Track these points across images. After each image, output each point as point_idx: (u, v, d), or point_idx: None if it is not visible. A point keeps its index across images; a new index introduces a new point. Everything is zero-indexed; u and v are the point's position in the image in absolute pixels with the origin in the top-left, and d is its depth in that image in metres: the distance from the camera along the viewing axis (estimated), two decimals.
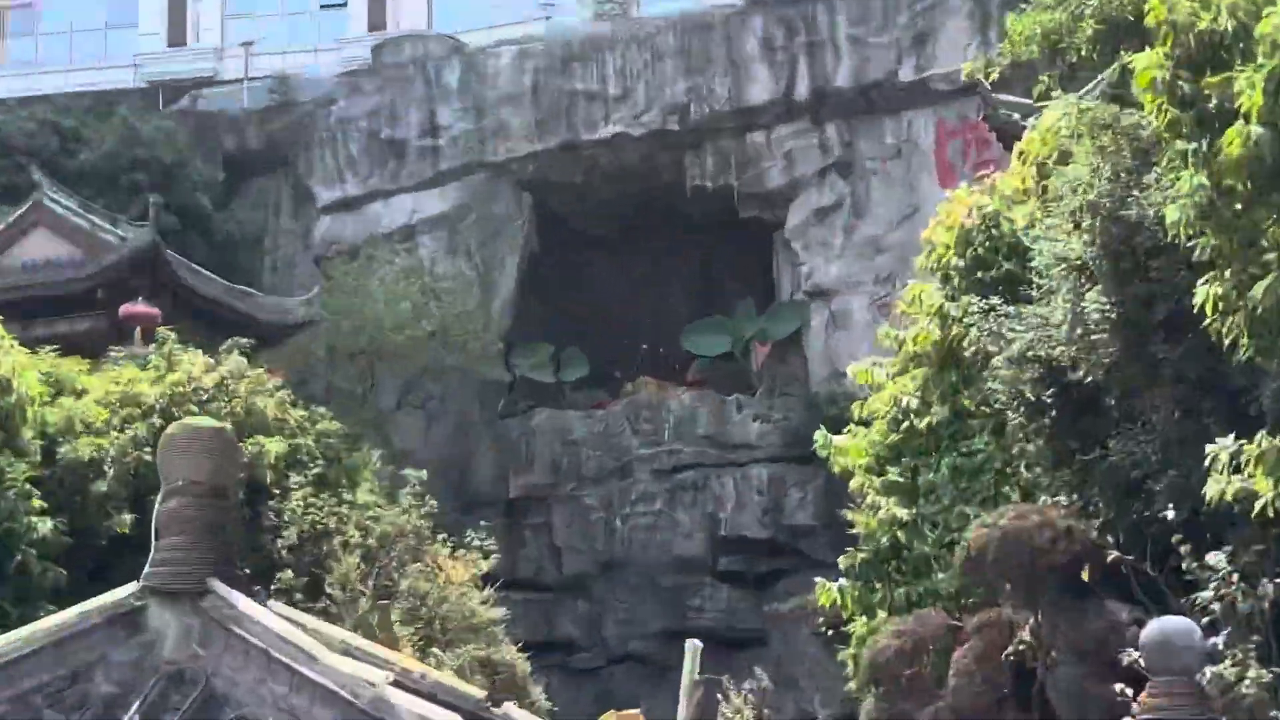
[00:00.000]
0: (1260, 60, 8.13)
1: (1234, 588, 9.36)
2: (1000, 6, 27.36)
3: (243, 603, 8.13)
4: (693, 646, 10.74)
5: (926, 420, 13.35)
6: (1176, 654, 7.57)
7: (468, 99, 34.15)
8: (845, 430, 14.63)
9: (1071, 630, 11.58)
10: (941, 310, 13.04)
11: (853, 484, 14.25)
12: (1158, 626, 7.91)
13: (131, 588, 8.07)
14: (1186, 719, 7.70)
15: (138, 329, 25.64)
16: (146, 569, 8.10)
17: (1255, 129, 7.95)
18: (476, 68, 34.24)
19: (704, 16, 33.88)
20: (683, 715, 10.62)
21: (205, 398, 20.80)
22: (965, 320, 12.52)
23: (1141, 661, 7.98)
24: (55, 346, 22.45)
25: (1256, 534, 9.12)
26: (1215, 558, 9.37)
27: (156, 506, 8.51)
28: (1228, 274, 8.84)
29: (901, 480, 13.64)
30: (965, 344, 12.55)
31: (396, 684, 8.11)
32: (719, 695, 13.07)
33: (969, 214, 13.25)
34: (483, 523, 23.51)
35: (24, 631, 8.34)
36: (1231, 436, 8.74)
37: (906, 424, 13.71)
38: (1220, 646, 8.44)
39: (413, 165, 33.79)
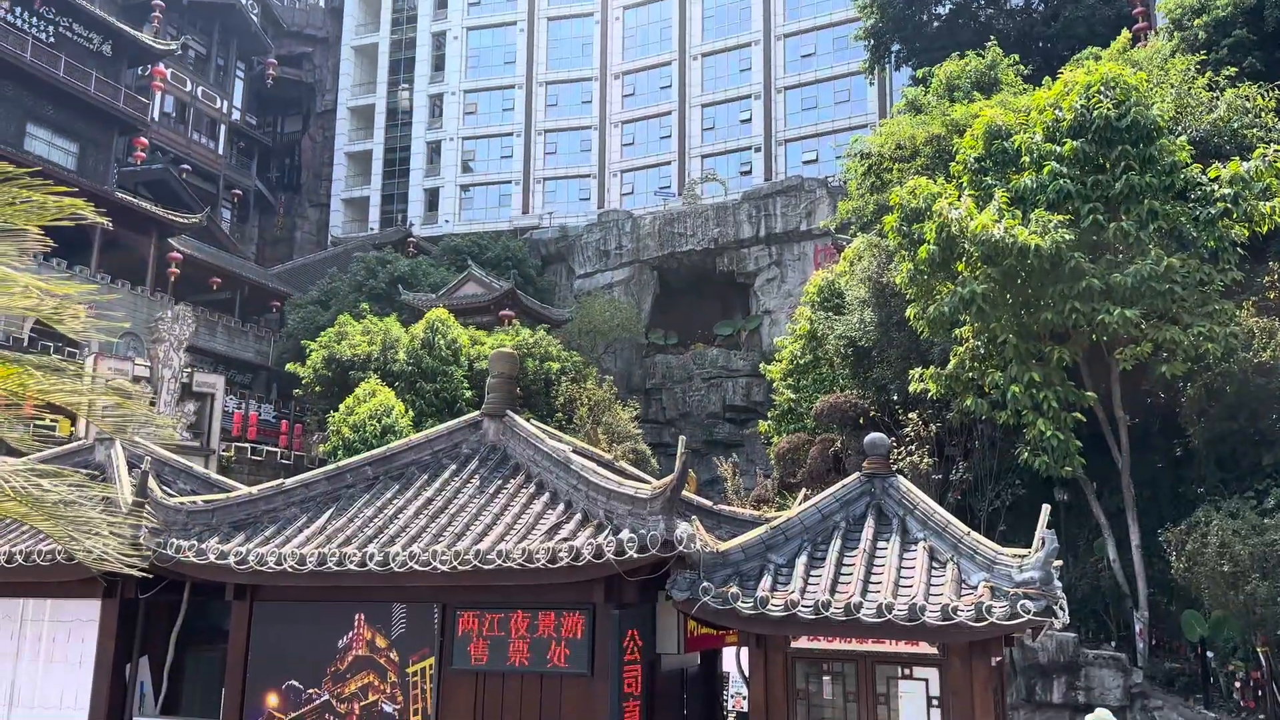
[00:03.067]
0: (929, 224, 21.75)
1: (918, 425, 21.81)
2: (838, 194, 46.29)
3: (520, 422, 13.37)
4: (683, 441, 12.31)
5: (811, 361, 30.71)
6: (878, 445, 12.55)
7: (635, 234, 57.94)
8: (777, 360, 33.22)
9: (855, 442, 23.51)
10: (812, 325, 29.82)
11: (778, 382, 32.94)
12: (872, 437, 12.71)
13: (475, 414, 13.97)
14: (882, 472, 12.39)
15: (507, 320, 45.12)
16: (483, 406, 14.02)
17: (931, 247, 22.14)
18: (638, 225, 58.30)
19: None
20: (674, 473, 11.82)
21: (529, 346, 38.39)
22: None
23: (868, 450, 12.35)
24: (474, 325, 39.63)
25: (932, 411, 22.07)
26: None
27: (489, 381, 14.03)
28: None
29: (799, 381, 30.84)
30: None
31: (576, 451, 12.93)
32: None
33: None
34: (631, 398, 45.18)
35: (415, 438, 13.89)
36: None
37: (808, 358, 30.66)
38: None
39: (612, 262, 58.31)
